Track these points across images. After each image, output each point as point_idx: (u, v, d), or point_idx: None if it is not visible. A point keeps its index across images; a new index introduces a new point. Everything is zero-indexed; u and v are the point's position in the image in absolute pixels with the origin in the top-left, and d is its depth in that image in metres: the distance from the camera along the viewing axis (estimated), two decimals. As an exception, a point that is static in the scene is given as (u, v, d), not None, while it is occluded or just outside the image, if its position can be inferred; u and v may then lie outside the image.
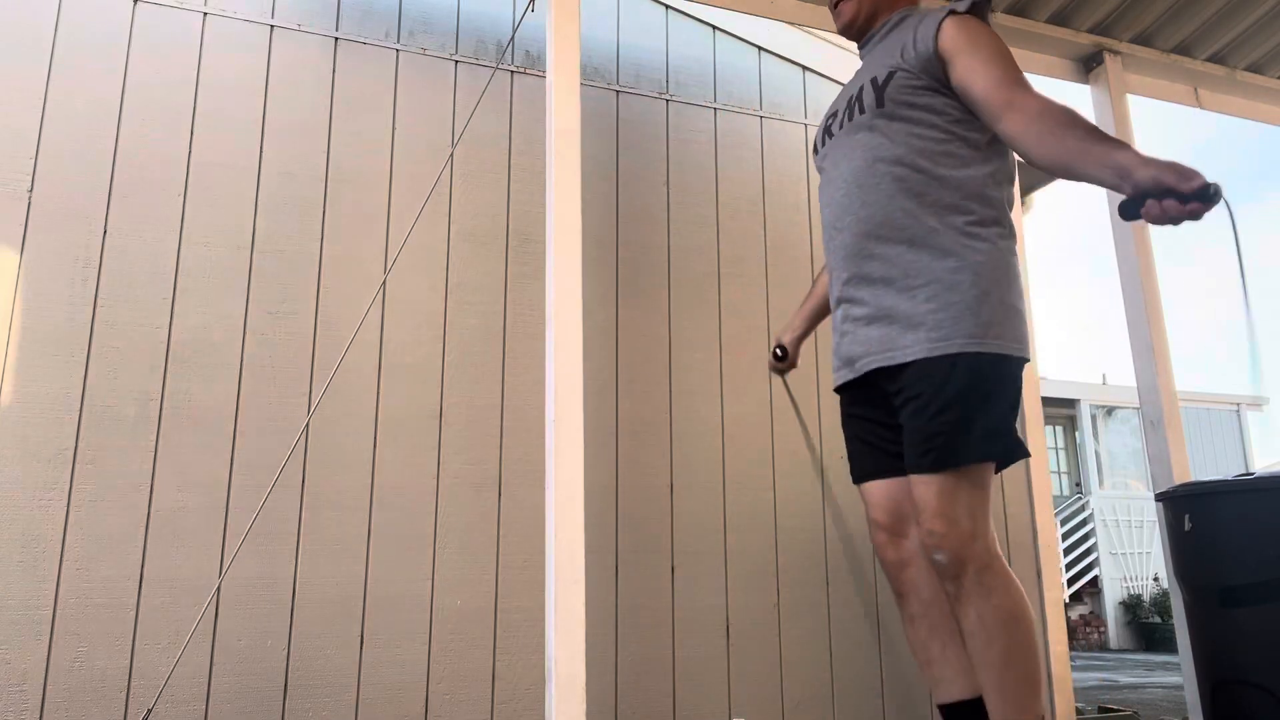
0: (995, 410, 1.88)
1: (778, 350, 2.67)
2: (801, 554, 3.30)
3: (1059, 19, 3.42)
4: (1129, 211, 1.63)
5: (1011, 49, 2.01)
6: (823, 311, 2.62)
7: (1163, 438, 3.14)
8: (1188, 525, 2.56)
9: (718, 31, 3.66)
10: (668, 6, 3.59)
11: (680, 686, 3.04)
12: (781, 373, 3.03)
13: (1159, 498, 2.80)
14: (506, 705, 2.82)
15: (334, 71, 3.06)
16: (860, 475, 2.16)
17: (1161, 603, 11.84)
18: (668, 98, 3.52)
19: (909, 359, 1.91)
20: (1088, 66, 3.50)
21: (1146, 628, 11.95)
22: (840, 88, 3.93)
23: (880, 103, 2.01)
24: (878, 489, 2.09)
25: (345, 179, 3.00)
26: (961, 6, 2.01)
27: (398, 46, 3.15)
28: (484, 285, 3.09)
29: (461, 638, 2.82)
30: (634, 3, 3.55)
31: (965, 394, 1.85)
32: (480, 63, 3.24)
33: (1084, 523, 12.95)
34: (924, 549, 1.91)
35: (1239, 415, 14.39)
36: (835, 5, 2.26)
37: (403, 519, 2.83)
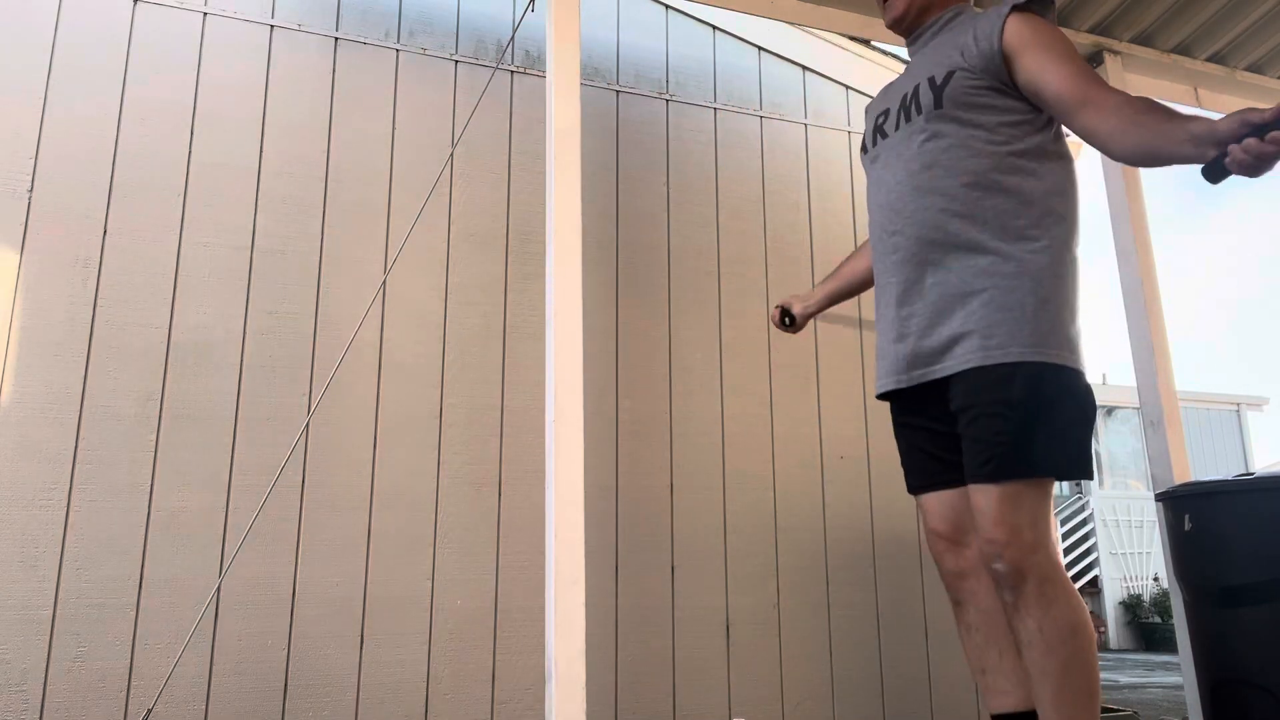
0: (1058, 422, 1.82)
1: (786, 317, 2.56)
2: (801, 554, 3.30)
3: (1059, 19, 3.42)
4: (1214, 173, 1.58)
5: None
6: (842, 295, 2.53)
7: (1163, 438, 3.14)
8: (1188, 525, 2.56)
9: (718, 31, 3.65)
10: (668, 6, 3.59)
11: (680, 686, 3.04)
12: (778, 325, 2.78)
13: (1159, 498, 2.80)
14: (506, 705, 2.82)
15: (334, 71, 3.06)
16: (916, 486, 2.09)
17: (1161, 603, 11.85)
18: (668, 98, 3.52)
19: (965, 367, 1.85)
20: (1088, 66, 3.50)
21: (1146, 628, 11.95)
22: (842, 88, 3.96)
23: (939, 103, 1.93)
24: (935, 499, 2.03)
25: (345, 179, 3.00)
26: (1022, 2, 1.93)
27: (398, 46, 3.15)
28: (484, 285, 3.09)
29: (461, 638, 2.82)
30: (634, 3, 3.55)
31: (1025, 403, 1.79)
32: (480, 63, 3.24)
33: (1084, 523, 12.96)
34: (983, 557, 1.85)
35: (1239, 415, 14.39)
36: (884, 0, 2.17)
37: (403, 519, 2.83)
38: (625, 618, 3.01)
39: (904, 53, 3.80)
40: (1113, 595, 12.70)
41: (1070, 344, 1.86)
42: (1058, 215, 1.92)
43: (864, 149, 2.18)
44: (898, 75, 2.21)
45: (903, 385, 2.00)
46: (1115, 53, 3.49)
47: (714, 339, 3.36)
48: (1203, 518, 2.53)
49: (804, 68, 3.77)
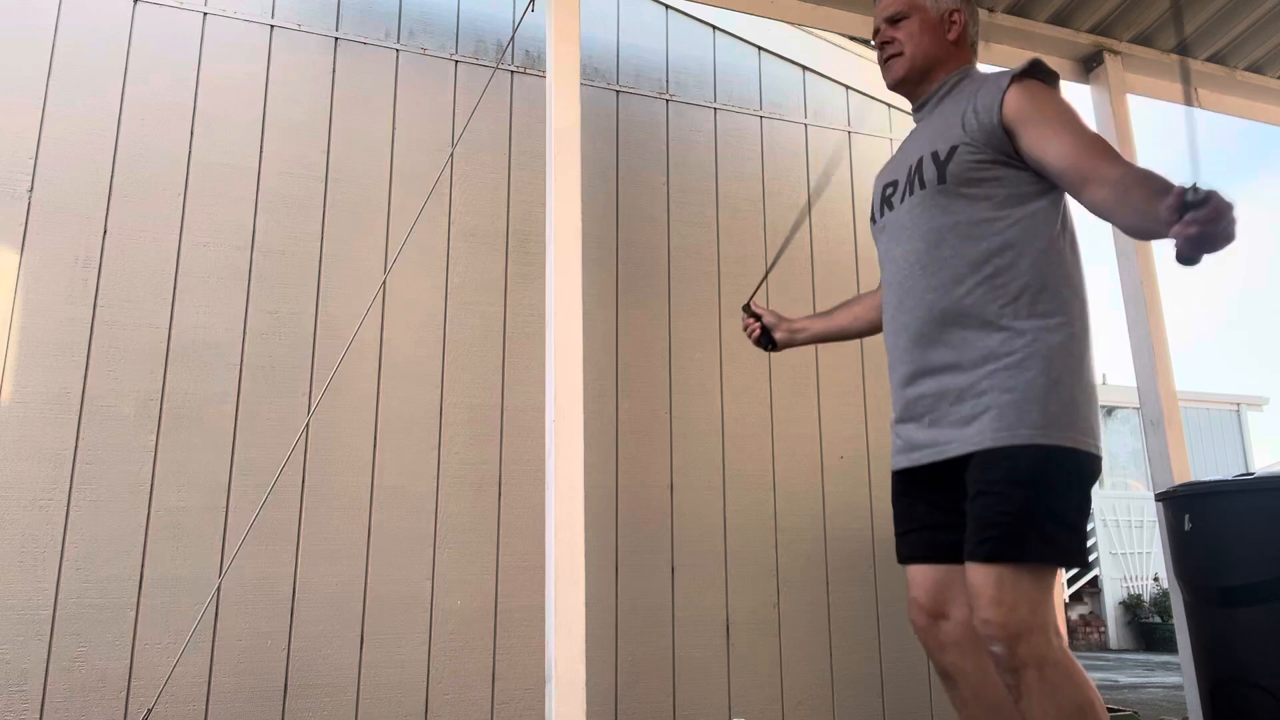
0: (1061, 508, 1.78)
1: (769, 344, 2.39)
2: (801, 554, 3.30)
3: (1059, 19, 3.42)
4: (1180, 259, 1.50)
5: (1011, 49, 1.99)
6: (832, 339, 2.46)
7: (1163, 438, 3.14)
8: (1188, 525, 2.56)
9: (718, 31, 3.65)
10: (668, 6, 3.59)
11: (680, 686, 3.04)
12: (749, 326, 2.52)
13: (1159, 498, 2.80)
14: (506, 705, 2.82)
15: (334, 71, 3.06)
16: (905, 557, 2.06)
17: (1161, 603, 11.84)
18: (668, 98, 3.52)
19: (972, 449, 1.81)
20: (1088, 66, 3.50)
21: (1146, 628, 11.95)
22: (843, 88, 3.96)
23: (942, 179, 1.90)
24: (921, 571, 2.00)
25: (345, 179, 3.00)
26: (1023, 69, 1.89)
27: (398, 46, 3.15)
28: (484, 285, 3.09)
29: (461, 638, 2.82)
30: (634, 3, 3.55)
31: (1029, 486, 1.74)
32: (480, 63, 3.24)
33: (1084, 523, 12.94)
34: (980, 640, 1.80)
35: (1239, 415, 14.39)
36: (885, 61, 2.10)
37: (403, 519, 2.83)
38: (625, 618, 3.01)
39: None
40: (1113, 595, 12.69)
41: (1082, 424, 1.81)
42: (1071, 288, 1.88)
43: (872, 219, 2.15)
44: (906, 138, 2.18)
45: (912, 465, 1.97)
46: (1115, 53, 3.48)
47: (714, 339, 3.36)
48: (1203, 518, 2.53)
49: (804, 68, 3.77)
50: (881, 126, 3.86)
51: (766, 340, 2.36)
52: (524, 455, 2.99)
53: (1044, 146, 1.82)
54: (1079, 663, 1.78)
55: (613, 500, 3.08)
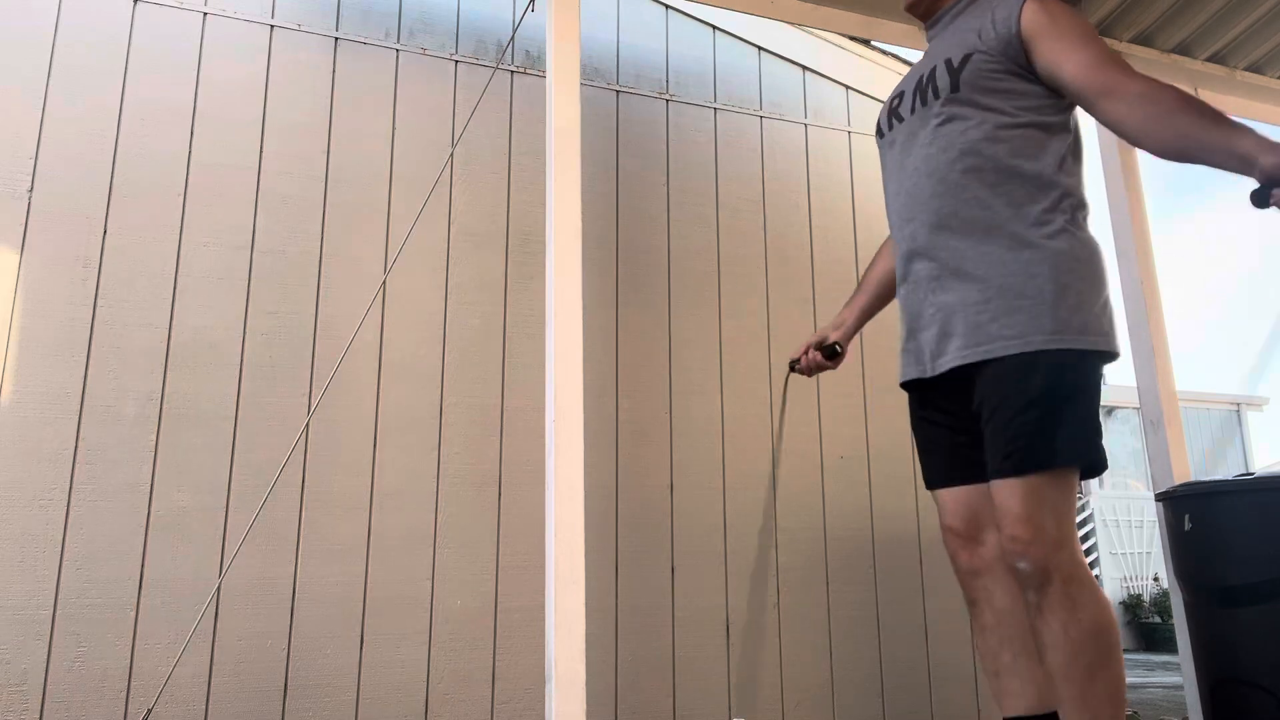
0: (1080, 412, 1.77)
1: (835, 347, 2.44)
2: (801, 554, 3.30)
3: (1059, 19, 3.41)
4: (1260, 199, 1.55)
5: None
6: (875, 308, 2.47)
7: (1163, 438, 3.14)
8: (1188, 525, 2.56)
9: (718, 31, 3.65)
10: (668, 6, 3.59)
11: (680, 686, 3.04)
12: (816, 370, 2.62)
13: (1159, 498, 2.80)
14: (506, 705, 2.82)
15: (334, 71, 3.06)
16: (933, 481, 2.05)
17: (1161, 603, 11.84)
18: (668, 98, 3.52)
19: (985, 357, 1.80)
20: (1088, 66, 3.50)
21: (1146, 628, 11.94)
22: (842, 88, 3.96)
23: (955, 86, 1.89)
24: (952, 495, 1.99)
25: (345, 179, 2.99)
26: None
27: (398, 46, 3.15)
28: (484, 285, 3.09)
29: (461, 638, 2.82)
30: (634, 3, 3.55)
31: (1048, 394, 1.74)
32: (480, 63, 3.24)
33: (1084, 523, 12.95)
34: (1006, 556, 1.80)
35: (1239, 415, 14.38)
36: None
37: (403, 519, 2.83)
38: (625, 618, 3.01)
39: (905, 53, 3.81)
40: (1113, 595, 12.70)
41: (1094, 324, 1.81)
42: (1075, 197, 1.89)
43: (879, 133, 2.14)
44: (906, 70, 2.18)
45: (924, 375, 1.96)
46: (1115, 52, 3.48)
47: (714, 339, 3.36)
48: (1203, 518, 2.53)
49: (804, 68, 3.77)
50: (881, 126, 3.85)
51: (828, 352, 2.47)
52: (524, 455, 2.99)
53: (1061, 59, 1.81)
54: (1100, 586, 1.78)
55: (613, 500, 3.08)
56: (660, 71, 3.53)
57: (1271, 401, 14.69)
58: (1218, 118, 1.65)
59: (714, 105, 3.58)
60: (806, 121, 3.73)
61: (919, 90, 1.99)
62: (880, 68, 3.89)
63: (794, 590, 3.25)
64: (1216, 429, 14.09)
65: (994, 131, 1.87)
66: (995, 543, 1.93)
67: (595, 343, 3.11)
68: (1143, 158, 3.36)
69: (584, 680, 2.20)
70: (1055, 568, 1.72)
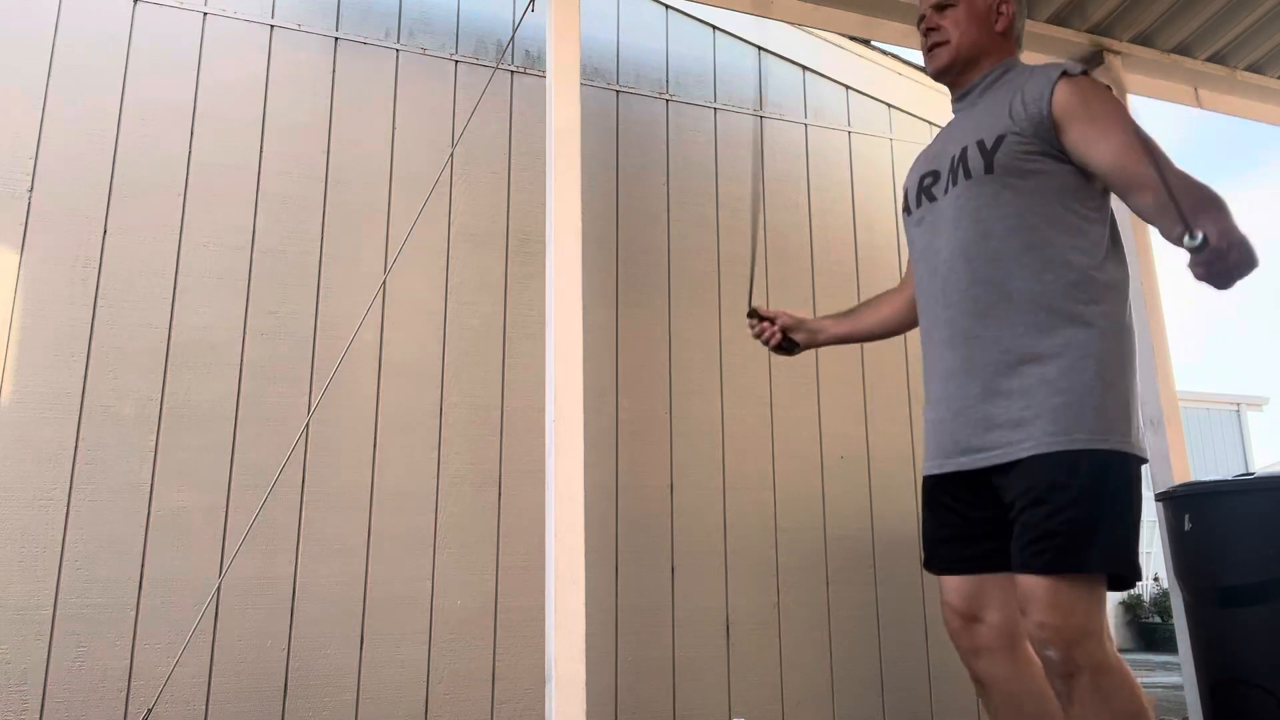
0: (1121, 517, 1.71)
1: (793, 344, 2.28)
2: (801, 554, 3.30)
3: (1059, 19, 3.41)
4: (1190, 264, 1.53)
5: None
6: (855, 340, 2.34)
7: (1163, 438, 3.14)
8: (1188, 525, 2.56)
9: (718, 31, 3.65)
10: (668, 6, 3.59)
11: (680, 686, 3.04)
12: (764, 340, 2.35)
13: (1159, 498, 2.80)
14: (506, 705, 2.82)
15: (334, 71, 3.06)
16: (940, 567, 2.00)
17: (1161, 603, 11.83)
18: (668, 98, 3.52)
19: (1024, 455, 1.73)
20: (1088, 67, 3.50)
21: (1146, 628, 11.94)
22: (842, 88, 3.96)
23: (989, 168, 1.83)
24: (956, 579, 1.95)
25: (345, 179, 2.99)
26: (1075, 69, 1.84)
27: (398, 46, 3.15)
28: (484, 285, 3.09)
29: (461, 638, 2.82)
30: (634, 3, 3.55)
31: (1089, 495, 1.68)
32: (480, 63, 3.24)
33: (1084, 523, 12.94)
34: (1033, 644, 1.74)
35: (1239, 415, 14.38)
36: (929, 49, 2.03)
37: (403, 519, 2.83)
38: (625, 618, 3.01)
39: (905, 52, 3.82)
40: (1113, 595, 12.70)
41: (1134, 428, 1.76)
42: (1117, 287, 1.83)
43: (907, 210, 2.07)
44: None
45: (954, 470, 1.89)
46: (1115, 53, 3.48)
47: (714, 339, 3.36)
48: (1203, 518, 2.53)
49: (804, 68, 3.77)
50: (882, 127, 3.86)
51: (787, 343, 2.25)
52: (524, 455, 2.99)
53: (1091, 146, 1.77)
54: (1131, 670, 1.73)
55: (613, 500, 3.08)
56: (660, 71, 3.53)
57: (1271, 401, 14.69)
58: (1207, 202, 1.61)
59: (714, 105, 3.58)
60: (806, 121, 3.73)
61: (952, 171, 1.93)
62: (880, 68, 3.89)
63: (794, 590, 3.25)
64: (1217, 429, 14.09)
65: (1031, 216, 1.82)
66: (996, 622, 1.90)
67: (595, 343, 3.11)
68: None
69: (584, 680, 2.20)
70: (1084, 658, 1.67)
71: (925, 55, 2.07)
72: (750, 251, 3.04)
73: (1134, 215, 3.29)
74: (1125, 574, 1.73)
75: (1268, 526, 2.39)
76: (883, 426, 3.53)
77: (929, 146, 2.09)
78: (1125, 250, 1.92)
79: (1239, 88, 3.76)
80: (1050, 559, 1.69)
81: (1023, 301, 1.79)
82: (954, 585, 1.96)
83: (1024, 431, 1.74)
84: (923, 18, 2.04)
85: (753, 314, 2.26)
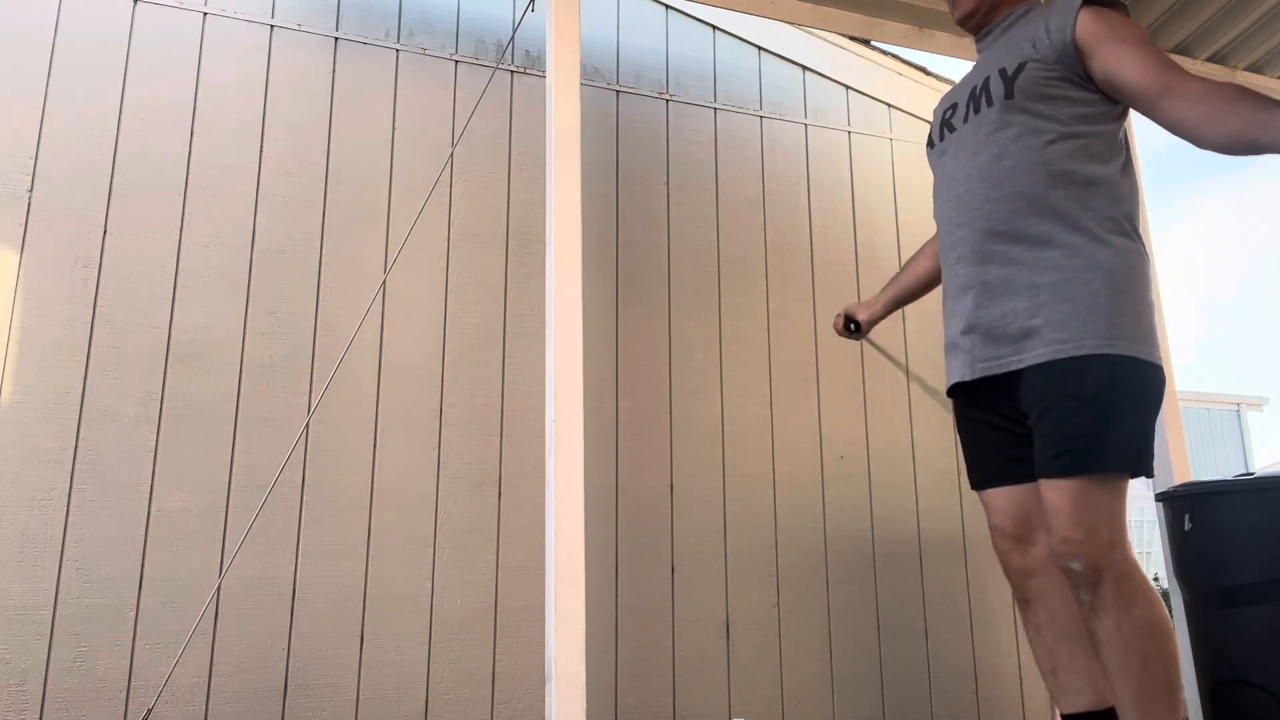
0: (1133, 416, 1.78)
1: (851, 324, 2.52)
2: (801, 554, 3.30)
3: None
4: None
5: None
6: (906, 300, 2.47)
7: (1163, 438, 3.14)
8: (1188, 525, 2.56)
9: (718, 31, 3.65)
10: (668, 6, 3.59)
11: (680, 686, 3.04)
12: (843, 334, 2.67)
13: (1159, 498, 2.80)
14: (506, 705, 2.82)
15: (334, 71, 3.06)
16: (980, 481, 2.05)
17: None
18: (668, 98, 3.52)
19: (1037, 361, 1.81)
20: (1088, 66, 3.50)
21: (1146, 628, 11.97)
22: (842, 88, 3.96)
23: (1010, 94, 1.90)
24: (1000, 495, 1.99)
25: (345, 179, 2.99)
26: None
27: (398, 46, 3.15)
28: (484, 285, 3.09)
29: (461, 638, 2.82)
30: (634, 3, 3.55)
31: (1100, 396, 1.75)
32: (480, 63, 3.24)
33: (1084, 523, 12.93)
34: (1057, 557, 1.80)
35: (1239, 415, 14.38)
36: None
37: (403, 519, 2.83)
38: (625, 618, 3.01)
39: (905, 52, 3.81)
40: (1113, 595, 12.66)
41: (1145, 335, 1.82)
42: (1129, 210, 1.89)
43: (930, 144, 2.15)
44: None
45: (971, 378, 1.97)
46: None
47: (714, 339, 3.36)
48: (1203, 518, 2.53)
49: (804, 68, 3.77)
50: (882, 127, 3.86)
51: (852, 327, 2.49)
52: (524, 455, 2.99)
53: (1119, 63, 1.83)
54: (1151, 583, 1.78)
55: (613, 500, 3.08)
56: (660, 71, 3.53)
57: (1271, 401, 14.69)
58: (1271, 102, 1.65)
59: (714, 105, 3.58)
60: (806, 121, 3.73)
61: (972, 99, 2.00)
62: (881, 68, 3.89)
63: (794, 590, 3.25)
64: (1217, 429, 14.08)
65: (1048, 138, 1.88)
66: (1047, 542, 1.93)
67: (595, 343, 3.11)
68: (1141, 149, 3.36)
69: (584, 680, 2.21)
70: (1107, 567, 1.73)
71: (950, 3, 2.16)
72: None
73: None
74: (1140, 470, 1.81)
75: (1268, 526, 2.39)
76: (883, 426, 3.53)
77: (954, 87, 2.17)
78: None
79: (1239, 88, 3.76)
80: (1068, 462, 1.76)
81: (1035, 214, 1.86)
82: (1000, 507, 2.01)
83: (1035, 340, 1.82)
84: None
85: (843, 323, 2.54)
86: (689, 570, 3.13)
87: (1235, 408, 14.53)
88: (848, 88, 3.84)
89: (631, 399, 3.19)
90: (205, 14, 2.93)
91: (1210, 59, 3.67)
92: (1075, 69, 1.88)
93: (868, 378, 3.56)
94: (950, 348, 2.05)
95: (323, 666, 2.67)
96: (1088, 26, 1.86)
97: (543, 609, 2.31)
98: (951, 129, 2.06)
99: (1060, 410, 1.78)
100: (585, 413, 2.38)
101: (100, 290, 2.66)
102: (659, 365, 3.26)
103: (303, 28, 3.04)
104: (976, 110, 1.98)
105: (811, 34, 3.75)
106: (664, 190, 3.43)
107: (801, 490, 3.35)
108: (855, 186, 3.75)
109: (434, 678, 2.77)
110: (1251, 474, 2.58)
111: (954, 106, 2.07)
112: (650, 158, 3.44)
